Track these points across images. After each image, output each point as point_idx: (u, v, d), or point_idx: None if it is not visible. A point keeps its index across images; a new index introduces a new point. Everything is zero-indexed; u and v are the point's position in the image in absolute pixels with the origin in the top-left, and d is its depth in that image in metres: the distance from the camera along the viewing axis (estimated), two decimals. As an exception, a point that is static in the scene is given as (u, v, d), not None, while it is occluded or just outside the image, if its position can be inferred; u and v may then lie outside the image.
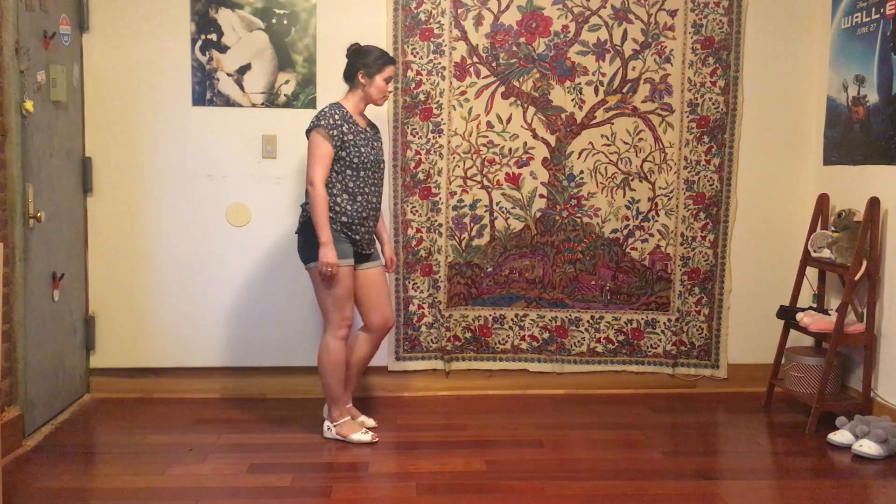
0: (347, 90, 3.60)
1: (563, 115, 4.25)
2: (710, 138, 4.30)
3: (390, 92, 3.59)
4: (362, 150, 3.51)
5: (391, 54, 4.13)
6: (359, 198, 3.53)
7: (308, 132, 3.49)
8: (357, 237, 3.54)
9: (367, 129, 3.61)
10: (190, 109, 4.15)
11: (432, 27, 4.17)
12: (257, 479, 3.20)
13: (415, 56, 4.17)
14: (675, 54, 4.24)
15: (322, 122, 3.46)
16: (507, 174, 4.26)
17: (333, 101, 4.11)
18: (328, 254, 3.40)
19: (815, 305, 4.19)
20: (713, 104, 4.28)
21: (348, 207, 3.51)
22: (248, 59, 4.15)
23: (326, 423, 3.63)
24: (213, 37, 4.12)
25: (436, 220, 4.26)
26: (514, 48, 4.20)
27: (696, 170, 4.31)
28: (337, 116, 3.48)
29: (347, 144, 3.48)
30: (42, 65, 3.64)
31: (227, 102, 4.16)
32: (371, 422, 3.79)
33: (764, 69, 4.29)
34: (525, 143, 4.25)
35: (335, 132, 3.45)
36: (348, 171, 3.50)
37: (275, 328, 4.26)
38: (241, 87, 4.16)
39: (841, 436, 3.59)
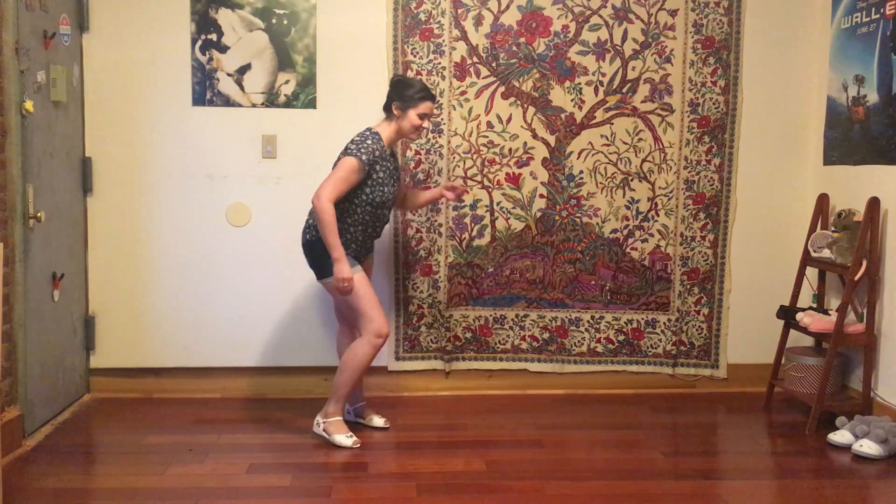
0: (383, 118, 3.58)
1: (562, 115, 4.24)
2: (711, 138, 4.30)
3: (426, 128, 3.55)
4: (385, 189, 3.50)
5: (392, 55, 4.14)
6: (369, 230, 3.56)
7: (343, 153, 3.45)
8: (359, 260, 3.57)
9: (393, 160, 3.60)
10: (190, 109, 4.15)
11: (432, 27, 4.17)
12: (257, 479, 3.20)
13: (415, 56, 4.17)
14: (675, 54, 4.24)
15: (364, 157, 3.41)
16: (507, 174, 4.26)
17: (334, 102, 4.15)
18: (343, 270, 3.38)
19: (815, 305, 4.20)
20: (713, 104, 4.28)
21: (360, 237, 3.54)
22: (248, 59, 4.15)
23: (318, 418, 3.61)
24: (213, 37, 4.12)
25: (435, 221, 4.26)
26: (514, 48, 4.20)
27: (697, 170, 4.31)
28: (377, 153, 3.45)
29: (375, 183, 3.47)
30: (42, 65, 3.64)
31: (227, 102, 4.16)
32: (381, 421, 3.79)
33: (764, 69, 4.29)
34: (525, 143, 4.25)
35: (369, 168, 3.44)
36: (368, 208, 3.50)
37: (275, 328, 4.26)
38: (241, 87, 4.16)
39: (841, 436, 3.59)
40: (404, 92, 3.50)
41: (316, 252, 3.51)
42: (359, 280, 3.47)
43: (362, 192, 3.47)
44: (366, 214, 3.51)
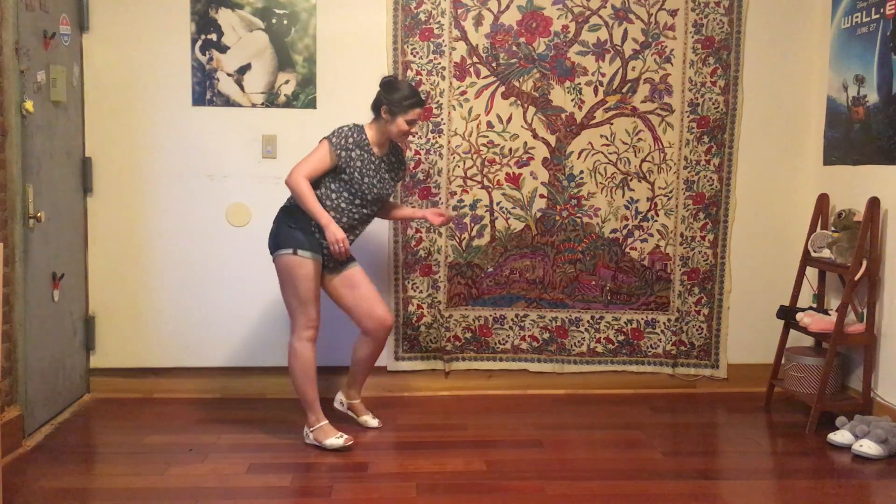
0: (372, 118, 3.56)
1: (563, 115, 4.25)
2: (710, 138, 4.30)
3: (414, 133, 3.55)
4: (366, 180, 3.47)
5: (392, 55, 4.14)
6: (344, 219, 3.50)
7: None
8: (327, 250, 3.49)
9: (385, 156, 3.57)
10: (190, 109, 4.15)
11: (432, 27, 4.17)
12: (257, 479, 3.20)
13: (415, 56, 4.17)
14: (675, 54, 4.24)
15: (333, 139, 3.43)
16: (507, 174, 4.26)
17: (334, 102, 4.15)
18: (336, 232, 3.36)
19: (815, 305, 4.19)
20: (713, 104, 4.28)
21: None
22: (248, 59, 4.15)
23: (304, 430, 3.58)
24: (213, 37, 4.12)
25: (436, 220, 4.26)
26: (514, 48, 4.20)
27: (696, 170, 4.31)
28: (351, 140, 3.44)
29: (352, 170, 3.45)
30: (42, 65, 3.63)
31: (227, 102, 4.16)
32: (374, 422, 3.79)
33: (764, 69, 4.29)
34: (525, 143, 4.25)
35: (343, 153, 3.43)
36: (345, 193, 3.48)
37: (275, 328, 4.26)
38: (241, 87, 4.16)
39: (841, 436, 3.59)
40: (393, 96, 3.46)
41: (279, 220, 3.51)
42: (305, 270, 3.42)
43: (339, 179, 3.46)
44: (342, 200, 3.47)
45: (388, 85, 3.52)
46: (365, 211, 3.55)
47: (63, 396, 3.92)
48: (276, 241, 3.49)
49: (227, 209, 4.20)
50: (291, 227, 3.46)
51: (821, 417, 3.78)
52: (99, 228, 4.16)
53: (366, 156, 3.47)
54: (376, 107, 3.52)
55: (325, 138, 3.46)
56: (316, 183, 3.46)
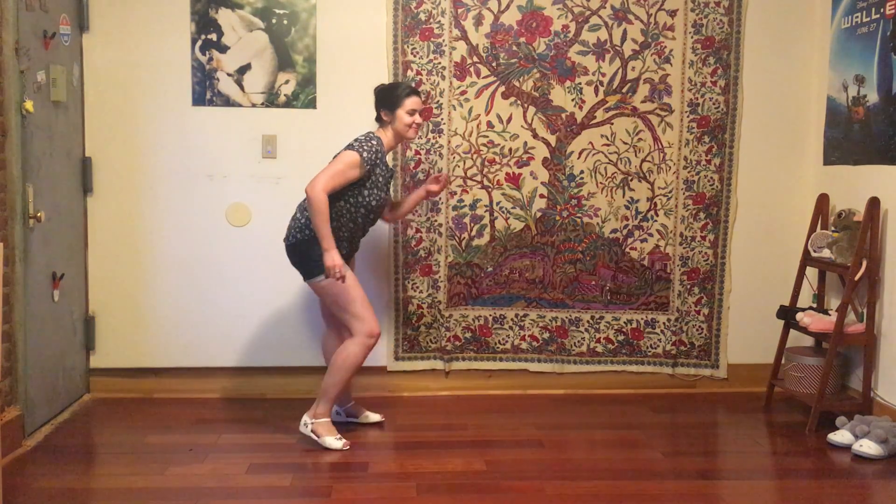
0: (378, 127, 3.59)
1: (563, 115, 4.25)
2: (711, 138, 4.30)
3: (420, 124, 3.57)
4: (382, 194, 3.54)
5: (392, 55, 4.15)
6: (358, 232, 3.58)
7: (346, 148, 3.46)
8: (346, 260, 3.55)
9: (388, 167, 3.64)
10: (190, 109, 4.15)
11: (432, 27, 4.17)
12: (257, 479, 3.20)
13: (415, 56, 4.18)
14: (674, 54, 4.24)
15: (365, 154, 3.42)
16: (507, 174, 4.26)
17: (334, 102, 4.15)
18: (334, 257, 3.37)
19: (815, 305, 4.19)
20: (713, 104, 4.28)
21: (347, 236, 3.52)
22: (248, 59, 4.15)
23: (305, 418, 3.56)
24: (213, 37, 4.12)
25: (435, 220, 4.26)
26: (515, 48, 4.20)
27: (696, 170, 4.31)
28: (379, 155, 3.48)
29: (373, 185, 3.49)
30: (42, 65, 3.64)
31: (227, 102, 4.16)
32: (376, 417, 3.81)
33: (764, 69, 4.29)
34: (525, 143, 4.25)
35: (370, 168, 3.45)
36: (362, 210, 3.51)
37: (275, 328, 4.26)
38: (241, 87, 4.16)
39: (841, 436, 3.59)
40: (387, 96, 3.52)
41: (301, 251, 3.49)
42: (350, 279, 3.45)
43: (360, 194, 3.48)
44: (359, 216, 3.52)
45: (380, 90, 3.58)
46: (374, 220, 3.63)
47: (63, 396, 3.92)
48: (308, 272, 3.49)
49: (227, 209, 4.20)
50: (315, 255, 3.44)
51: (821, 417, 3.78)
52: (99, 228, 4.16)
53: (382, 168, 3.54)
54: (378, 115, 3.57)
55: (353, 150, 3.42)
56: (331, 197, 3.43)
